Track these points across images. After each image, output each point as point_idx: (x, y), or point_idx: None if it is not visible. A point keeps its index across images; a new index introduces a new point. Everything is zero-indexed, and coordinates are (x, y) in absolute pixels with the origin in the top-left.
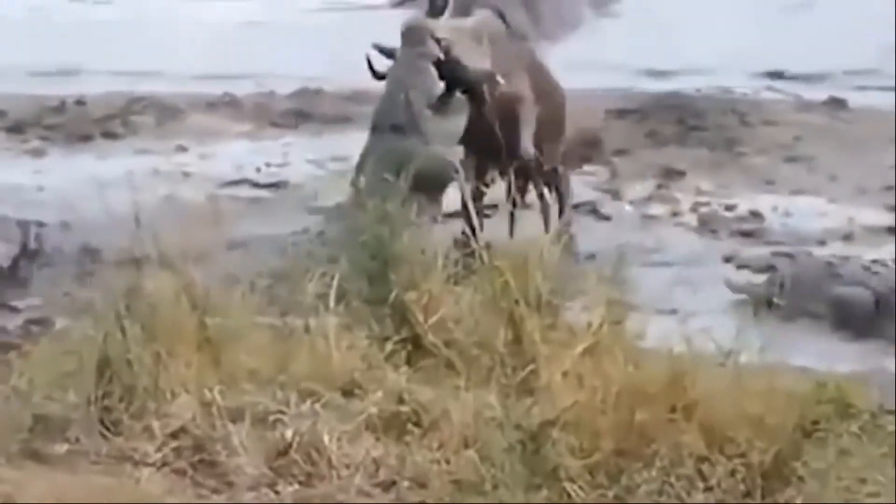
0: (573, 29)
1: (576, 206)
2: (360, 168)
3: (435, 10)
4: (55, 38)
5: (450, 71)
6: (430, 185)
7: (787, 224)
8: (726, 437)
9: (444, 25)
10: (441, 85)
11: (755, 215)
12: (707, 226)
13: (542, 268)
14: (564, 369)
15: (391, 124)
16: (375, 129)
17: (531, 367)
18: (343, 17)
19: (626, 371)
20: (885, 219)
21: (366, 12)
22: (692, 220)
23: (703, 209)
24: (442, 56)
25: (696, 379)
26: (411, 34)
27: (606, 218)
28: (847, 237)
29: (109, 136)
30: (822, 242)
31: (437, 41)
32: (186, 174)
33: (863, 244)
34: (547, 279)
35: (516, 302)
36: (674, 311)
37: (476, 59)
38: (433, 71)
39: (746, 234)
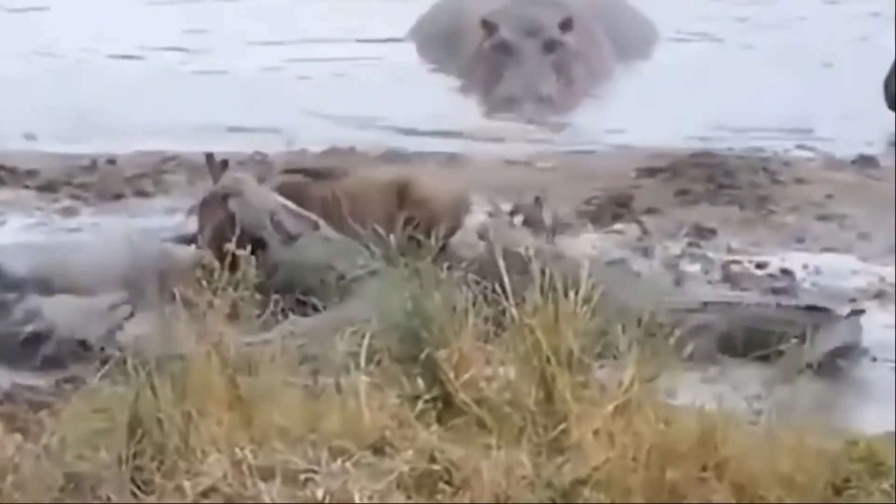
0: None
1: (607, 264)
2: None
3: None
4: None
5: None
6: None
7: (818, 283)
8: (757, 495)
9: None
10: None
11: (786, 273)
12: (738, 284)
13: (573, 325)
14: (595, 427)
15: None
16: None
17: (562, 425)
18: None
19: (657, 429)
20: None
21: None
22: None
23: (734, 267)
24: None
25: (726, 437)
26: None
27: (637, 275)
28: (878, 295)
29: (141, 194)
30: (853, 300)
31: None
32: None
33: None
34: (578, 337)
35: (548, 360)
36: (704, 369)
37: None
38: None
39: (778, 292)
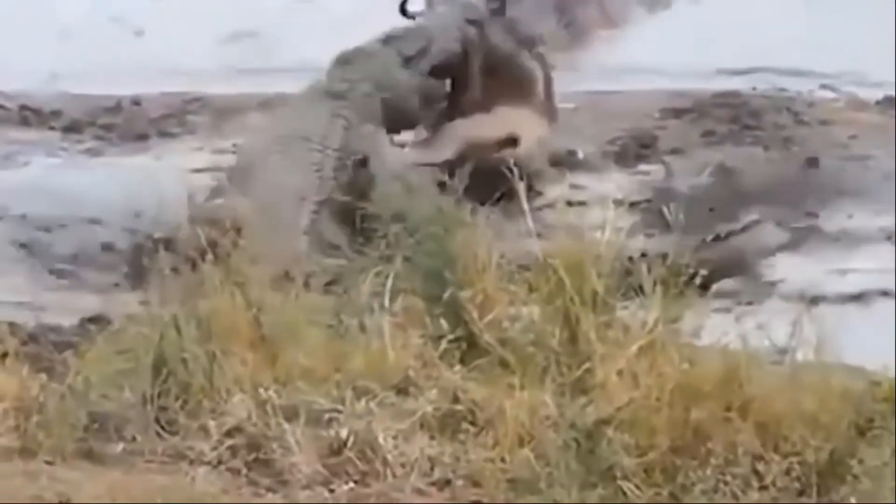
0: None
1: (632, 205)
2: None
3: None
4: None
5: None
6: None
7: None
8: (781, 435)
9: None
10: None
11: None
12: None
13: (597, 266)
14: (619, 368)
15: None
16: None
17: (586, 365)
18: None
19: (680, 369)
20: None
21: None
22: None
23: None
24: None
25: (750, 376)
26: None
27: (661, 215)
28: None
29: (166, 135)
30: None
31: None
32: None
33: None
34: (602, 277)
35: (571, 300)
36: (729, 309)
37: None
38: None
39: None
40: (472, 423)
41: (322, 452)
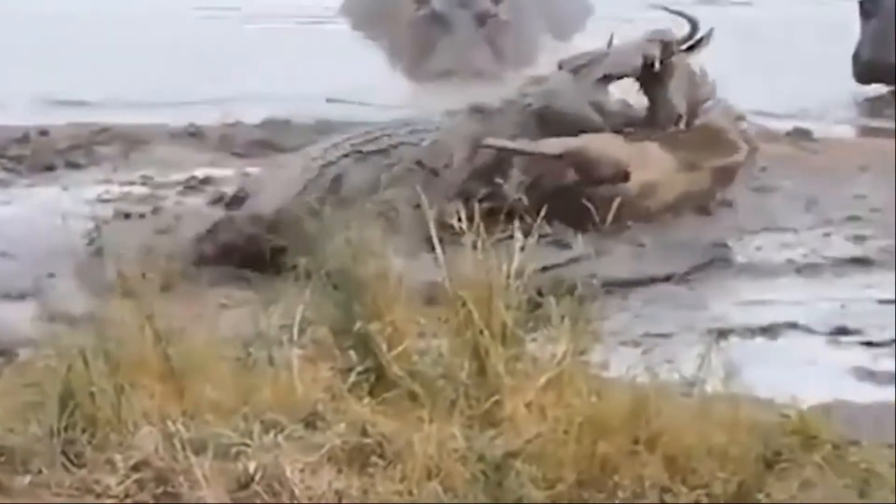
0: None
1: (542, 236)
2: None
3: None
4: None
5: None
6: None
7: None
8: (689, 468)
9: None
10: None
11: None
12: None
13: (505, 299)
14: (528, 400)
15: None
16: None
17: (495, 398)
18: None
19: (589, 402)
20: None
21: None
22: None
23: None
24: None
25: (659, 409)
26: None
27: (568, 246)
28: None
29: (73, 166)
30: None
31: None
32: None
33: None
34: (511, 310)
35: (480, 333)
36: (637, 342)
37: None
38: None
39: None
40: (381, 457)
41: (230, 486)
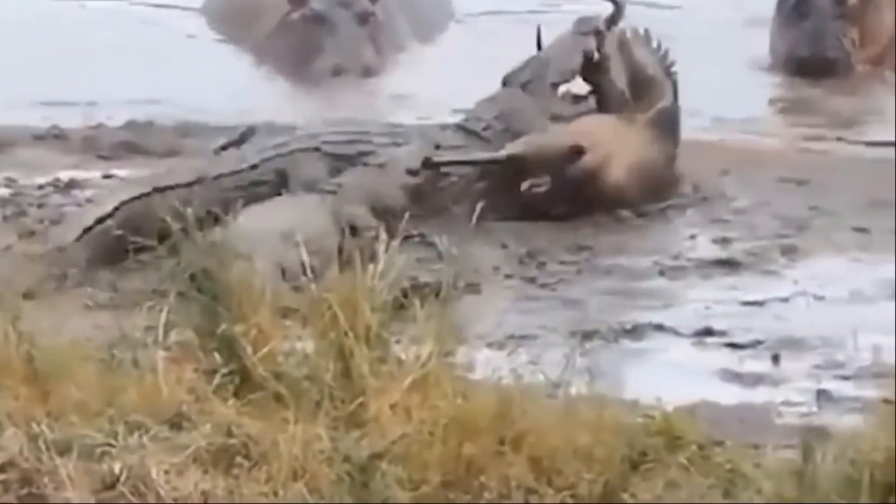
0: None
1: (406, 238)
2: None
3: None
4: None
5: None
6: None
7: None
8: (555, 469)
9: None
10: None
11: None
12: None
13: (370, 300)
14: (393, 402)
15: None
16: None
17: (360, 399)
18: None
19: (454, 403)
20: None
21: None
22: None
23: None
24: None
25: (524, 411)
26: None
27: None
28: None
29: None
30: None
31: None
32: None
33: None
34: (376, 311)
35: (345, 334)
36: (502, 344)
37: None
38: None
39: None
40: (246, 458)
41: (95, 487)
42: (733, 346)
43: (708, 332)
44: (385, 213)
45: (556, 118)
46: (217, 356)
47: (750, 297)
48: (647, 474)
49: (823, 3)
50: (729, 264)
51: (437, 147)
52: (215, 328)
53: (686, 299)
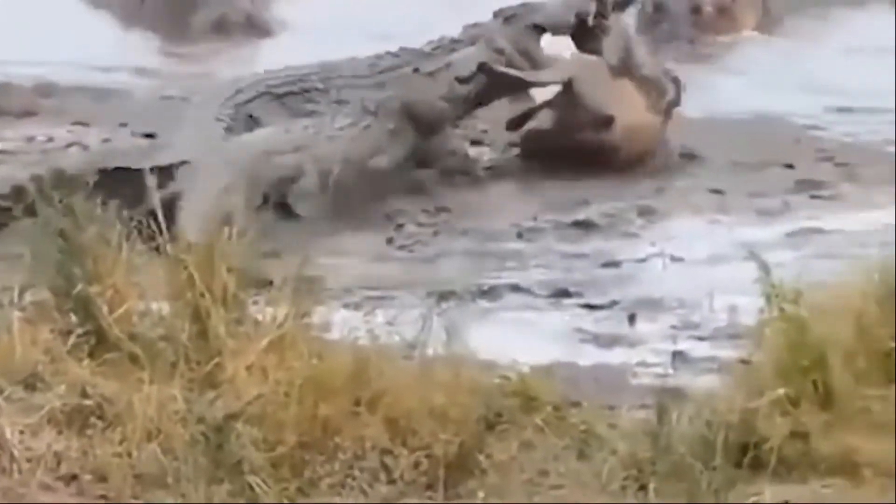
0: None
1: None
2: None
3: None
4: None
5: None
6: None
7: None
8: (410, 429)
9: None
10: None
11: None
12: None
13: (227, 261)
14: (249, 363)
15: None
16: None
17: (216, 360)
18: None
19: (310, 364)
20: None
21: None
22: None
23: None
24: None
25: (380, 371)
26: None
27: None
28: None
29: None
30: None
31: None
32: None
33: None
34: (233, 273)
35: (202, 295)
36: (359, 305)
37: None
38: None
39: None
40: (101, 418)
41: None
42: (589, 307)
43: (564, 293)
44: (425, 126)
45: (526, 55)
46: (73, 317)
47: (606, 259)
48: (502, 435)
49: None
50: (586, 226)
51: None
52: (71, 289)
53: (543, 261)
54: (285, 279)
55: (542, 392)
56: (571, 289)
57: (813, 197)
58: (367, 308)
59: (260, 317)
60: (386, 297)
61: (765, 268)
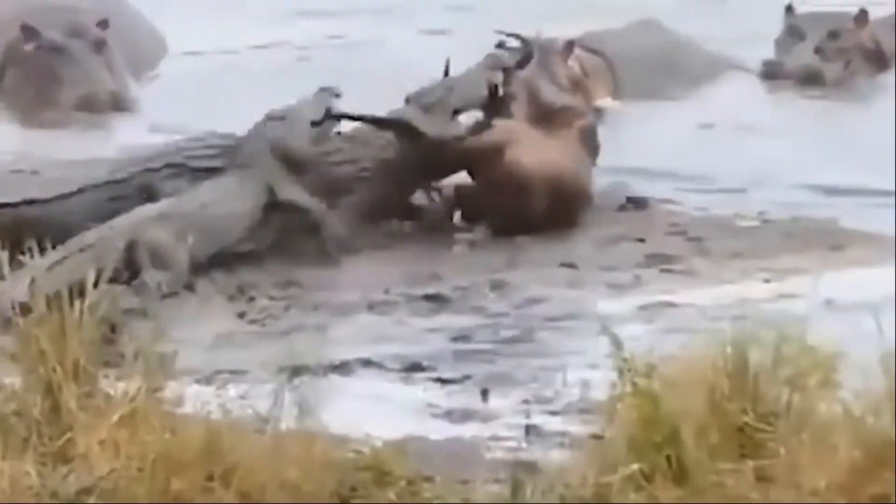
0: None
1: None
2: None
3: None
4: None
5: None
6: None
7: None
8: (263, 503)
9: None
10: None
11: None
12: None
13: (79, 335)
14: (101, 437)
15: None
16: None
17: (68, 435)
18: None
19: (162, 438)
20: None
21: None
22: None
23: None
24: None
25: (233, 445)
26: None
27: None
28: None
29: None
30: None
31: None
32: None
33: None
34: (84, 346)
35: (53, 370)
36: (210, 379)
37: None
38: None
39: None
40: None
41: None
42: (441, 381)
43: (416, 367)
44: (297, 167)
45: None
46: None
47: (457, 333)
48: None
49: None
50: (436, 299)
51: (337, 96)
52: None
53: (394, 335)
54: (136, 353)
55: (395, 466)
56: (423, 363)
57: (663, 271)
58: (219, 382)
59: (112, 391)
60: (238, 372)
61: (617, 342)
